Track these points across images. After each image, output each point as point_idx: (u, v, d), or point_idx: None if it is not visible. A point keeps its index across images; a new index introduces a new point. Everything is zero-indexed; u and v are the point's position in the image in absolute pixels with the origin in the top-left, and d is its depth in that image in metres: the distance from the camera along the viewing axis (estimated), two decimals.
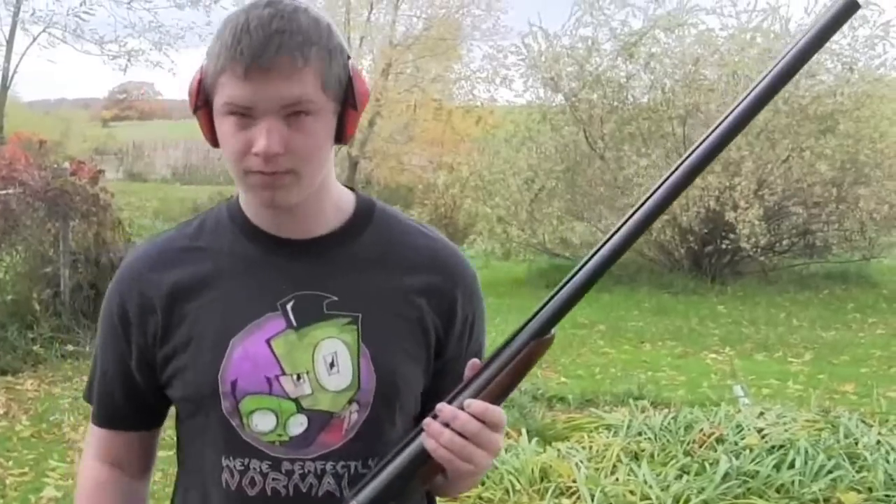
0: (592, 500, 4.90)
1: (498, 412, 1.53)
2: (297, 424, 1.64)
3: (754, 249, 13.63)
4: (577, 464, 5.36)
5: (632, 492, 5.02)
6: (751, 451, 5.54)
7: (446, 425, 1.52)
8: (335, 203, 1.68)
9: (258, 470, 1.65)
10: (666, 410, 6.50)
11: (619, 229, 1.52)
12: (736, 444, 5.70)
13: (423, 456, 1.56)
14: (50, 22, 16.99)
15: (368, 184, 23.60)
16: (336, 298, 1.65)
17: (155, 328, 1.67)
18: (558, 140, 15.16)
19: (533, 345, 1.53)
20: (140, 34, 17.62)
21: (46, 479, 5.96)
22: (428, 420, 1.54)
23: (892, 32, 14.71)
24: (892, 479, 5.17)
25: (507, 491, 5.05)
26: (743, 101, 1.46)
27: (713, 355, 9.57)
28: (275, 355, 1.63)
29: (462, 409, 1.52)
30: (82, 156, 14.26)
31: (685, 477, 5.19)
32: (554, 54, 15.16)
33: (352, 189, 1.74)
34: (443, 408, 1.53)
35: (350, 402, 1.65)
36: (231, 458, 1.65)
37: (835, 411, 6.53)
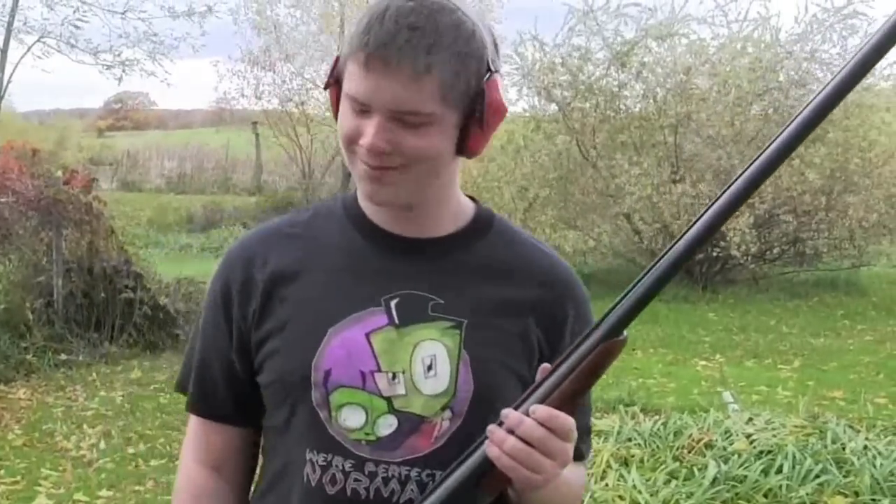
0: None
1: (565, 419, 1.43)
2: (387, 425, 1.57)
3: (745, 257, 13.65)
4: None
5: (621, 497, 5.05)
6: (739, 456, 5.56)
7: (511, 432, 1.43)
8: (454, 209, 1.63)
9: (340, 468, 1.58)
10: (656, 417, 6.58)
11: (691, 226, 1.43)
12: (724, 449, 5.73)
13: (487, 464, 1.46)
14: (44, 31, 16.99)
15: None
16: (442, 301, 1.59)
17: (254, 308, 1.62)
18: (551, 149, 15.22)
19: (604, 347, 1.43)
20: (134, 44, 17.58)
21: (38, 488, 5.96)
22: (492, 427, 1.45)
23: None
24: (879, 484, 5.20)
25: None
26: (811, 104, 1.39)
27: (703, 362, 9.63)
28: (373, 350, 1.57)
29: (528, 414, 1.44)
30: (77, 165, 14.30)
31: (674, 482, 5.22)
32: (547, 63, 15.23)
33: (473, 199, 1.69)
34: (508, 413, 1.44)
35: (444, 408, 1.58)
36: (315, 452, 1.59)
37: (823, 417, 6.56)
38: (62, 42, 16.93)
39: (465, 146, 1.51)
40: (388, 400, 1.56)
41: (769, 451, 5.62)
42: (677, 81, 14.73)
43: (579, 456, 1.62)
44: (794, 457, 5.47)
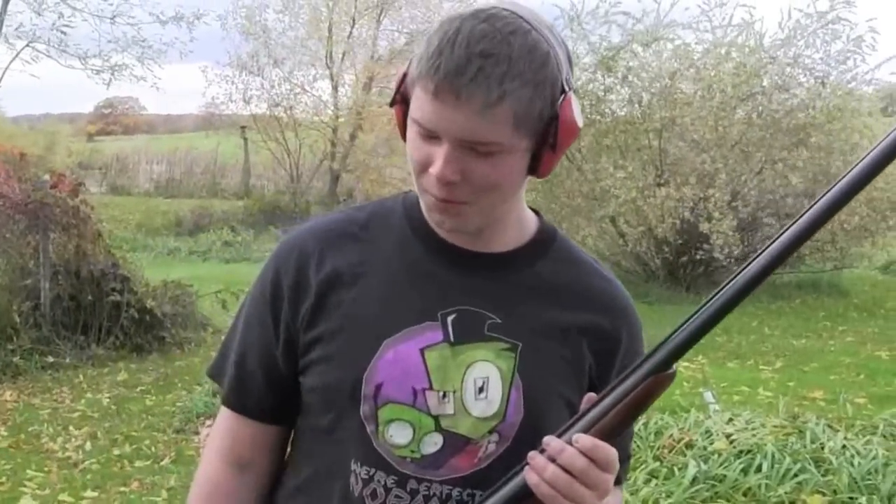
0: None
1: (608, 450, 1.40)
2: (432, 443, 1.53)
3: (728, 259, 13.75)
4: None
5: None
6: (719, 455, 5.60)
7: (552, 460, 1.40)
8: (518, 224, 1.59)
9: (383, 483, 1.54)
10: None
11: (751, 263, 1.45)
12: (705, 448, 5.77)
13: (525, 491, 1.43)
14: (33, 37, 17.03)
15: (350, 196, 23.79)
16: (500, 321, 1.54)
17: (306, 309, 1.57)
18: None
19: (652, 381, 1.40)
20: (123, 49, 17.63)
21: (23, 489, 6.01)
22: (533, 453, 1.42)
23: (863, 47, 14.93)
24: (857, 482, 5.25)
25: None
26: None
27: (686, 363, 9.54)
28: (426, 367, 1.52)
29: (570, 443, 1.40)
30: (66, 170, 14.34)
31: (654, 481, 5.27)
32: None
33: (537, 213, 1.65)
34: (550, 441, 1.41)
35: (491, 431, 1.54)
36: (359, 465, 1.55)
37: (803, 417, 6.59)
38: (51, 47, 16.97)
39: (537, 168, 1.47)
40: (436, 418, 1.52)
41: (749, 451, 5.66)
42: (662, 86, 14.83)
43: (617, 481, 1.60)
44: (773, 456, 5.52)
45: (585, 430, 1.41)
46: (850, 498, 5.12)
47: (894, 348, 10.63)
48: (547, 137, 1.43)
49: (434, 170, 1.41)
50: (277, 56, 25.33)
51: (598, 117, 15.14)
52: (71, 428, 7.30)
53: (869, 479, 5.33)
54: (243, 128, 27.29)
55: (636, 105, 15.22)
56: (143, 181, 28.14)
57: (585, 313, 1.59)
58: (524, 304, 1.56)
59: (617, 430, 1.41)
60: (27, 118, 41.87)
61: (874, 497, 5.10)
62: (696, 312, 1.44)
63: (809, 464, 5.48)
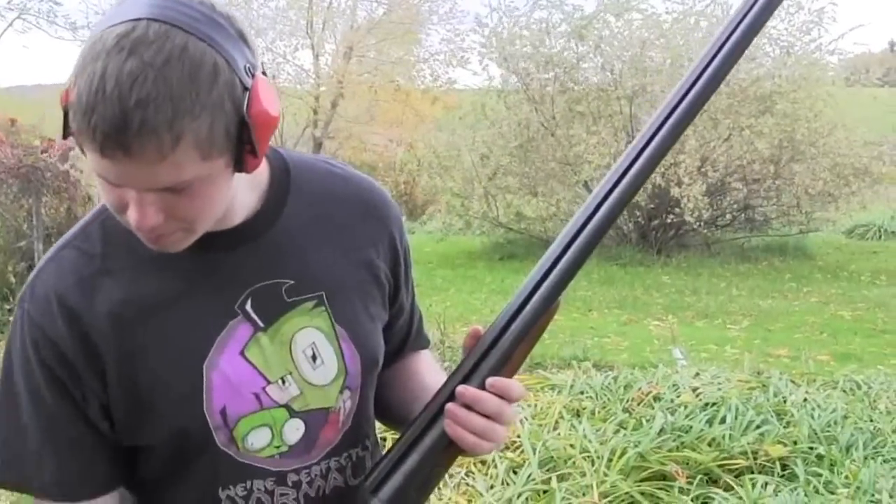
0: (535, 453, 5.02)
1: (518, 386, 1.41)
2: (294, 430, 1.47)
3: (698, 223, 13.99)
4: (521, 420, 5.50)
5: (572, 445, 5.16)
6: (685, 408, 5.73)
7: (468, 407, 1.40)
8: (248, 183, 1.42)
9: (263, 489, 1.47)
10: (608, 372, 6.74)
11: (603, 200, 1.44)
12: (672, 401, 5.91)
13: (445, 442, 1.42)
14: (24, 8, 17.00)
15: None
16: (292, 281, 1.46)
17: (100, 371, 1.38)
18: (512, 118, 15.47)
19: (545, 315, 1.42)
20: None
21: None
22: (451, 406, 1.40)
23: (825, 18, 15.22)
24: (816, 433, 5.43)
25: None
26: (693, 81, 1.46)
27: (656, 322, 9.88)
28: (253, 366, 1.43)
29: (483, 387, 1.40)
30: (57, 136, 14.43)
31: (622, 432, 5.35)
32: (510, 35, 15.53)
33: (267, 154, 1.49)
34: (465, 391, 1.39)
35: (341, 390, 1.51)
36: (231, 487, 1.46)
37: (767, 373, 6.81)
38: (41, 18, 16.95)
39: (244, 168, 1.28)
40: (286, 406, 1.45)
41: (714, 404, 5.80)
42: (633, 55, 15.04)
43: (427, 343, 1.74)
44: (737, 409, 5.66)
45: (495, 372, 1.41)
46: (810, 448, 5.26)
47: (857, 308, 10.88)
48: (243, 143, 1.24)
49: (132, 218, 1.25)
50: (259, 26, 25.16)
51: (572, 85, 15.32)
52: None
53: (828, 431, 5.51)
54: None
55: (608, 73, 15.40)
56: None
57: (359, 225, 1.54)
58: (301, 250, 1.47)
59: (520, 365, 1.43)
60: (19, 88, 41.59)
61: (832, 447, 5.27)
62: (569, 243, 1.43)
63: (772, 416, 5.63)
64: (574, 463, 5.02)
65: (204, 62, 1.18)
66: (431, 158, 16.44)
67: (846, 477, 4.89)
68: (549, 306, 1.42)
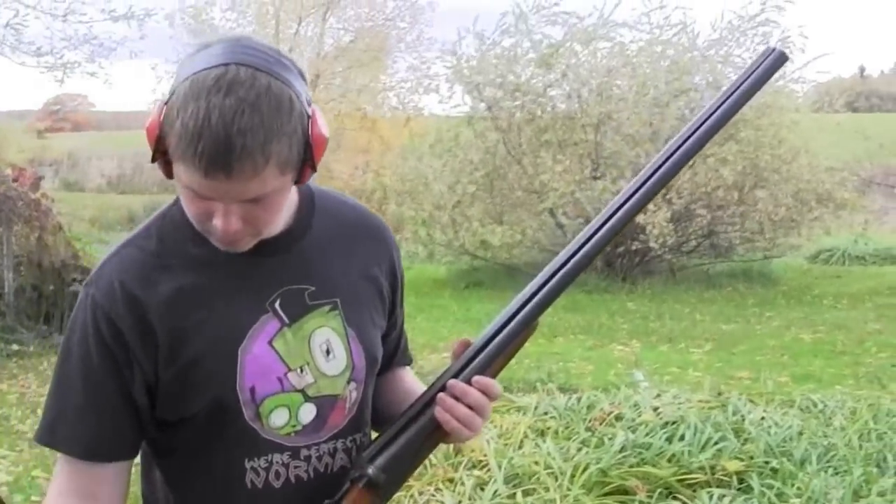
0: (500, 469, 5.19)
1: (497, 386, 1.71)
2: (307, 412, 1.72)
3: (663, 250, 14.21)
4: (487, 440, 5.65)
5: (536, 462, 5.30)
6: (646, 426, 5.85)
7: (456, 398, 1.68)
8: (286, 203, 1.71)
9: (281, 462, 1.71)
10: (572, 394, 6.88)
11: (590, 236, 1.73)
12: (633, 420, 6.01)
13: (434, 425, 1.70)
14: None
15: None
16: (314, 288, 1.73)
17: (155, 348, 1.64)
18: (479, 146, 15.60)
19: (525, 333, 1.72)
20: (76, 46, 17.70)
21: None
22: (442, 395, 1.68)
23: (791, 47, 15.40)
24: (772, 449, 5.58)
25: (425, 465, 5.47)
26: (682, 142, 1.80)
27: (621, 347, 10.01)
28: (278, 355, 1.69)
29: (469, 384, 1.68)
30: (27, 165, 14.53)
31: (585, 449, 5.47)
32: (477, 63, 15.69)
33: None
34: (455, 384, 1.68)
35: (349, 381, 1.76)
36: (255, 459, 1.70)
37: (727, 393, 6.92)
38: (4, 45, 16.99)
39: (300, 181, 1.61)
40: (303, 391, 1.71)
41: (673, 422, 5.91)
42: (599, 83, 15.21)
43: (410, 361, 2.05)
44: (696, 427, 5.78)
45: (480, 373, 1.69)
46: (765, 462, 5.41)
47: (817, 331, 11.08)
48: (305, 160, 1.56)
49: (218, 225, 1.55)
50: None
51: (539, 112, 15.49)
52: (39, 411, 7.47)
53: (783, 446, 5.65)
54: None
55: (575, 101, 15.54)
56: (94, 177, 28.13)
57: (367, 248, 1.83)
58: (322, 262, 1.76)
59: (500, 370, 1.73)
60: None
61: (787, 461, 5.41)
62: (554, 273, 1.73)
63: (729, 433, 5.75)
64: (538, 479, 5.17)
65: (283, 97, 1.50)
66: (398, 186, 16.51)
67: (798, 488, 5.04)
68: (528, 325, 1.73)
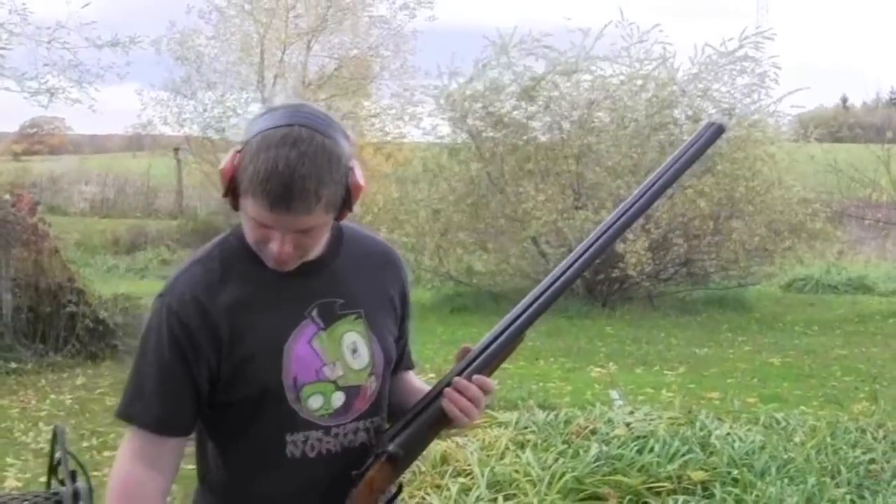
0: (483, 476, 5.57)
1: (492, 383, 2.13)
2: (338, 399, 2.13)
3: (641, 277, 14.47)
4: (471, 452, 6.05)
5: (516, 471, 5.69)
6: (619, 439, 6.22)
7: (459, 392, 2.09)
8: None
9: (315, 438, 2.12)
10: (551, 411, 7.18)
11: (572, 264, 2.19)
12: (607, 434, 6.39)
13: (441, 413, 2.12)
14: None
15: None
16: (343, 301, 2.15)
17: (220, 344, 2.04)
18: (463, 175, 15.83)
19: (514, 343, 2.16)
20: (60, 72, 17.94)
21: (6, 474, 6.62)
22: (448, 389, 2.10)
23: (766, 81, 15.92)
24: (735, 461, 5.93)
25: (415, 473, 5.73)
26: (629, 208, 2.25)
27: (598, 369, 10.25)
28: (316, 352, 2.10)
29: (470, 381, 2.10)
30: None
31: (562, 460, 5.84)
32: (462, 95, 15.86)
33: None
34: (458, 381, 2.10)
35: (369, 375, 2.17)
36: (294, 434, 2.10)
37: (696, 412, 7.26)
38: None
39: (339, 218, 2.07)
40: (335, 382, 2.12)
41: (644, 436, 6.28)
42: (580, 115, 15.49)
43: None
44: (665, 440, 6.15)
45: (478, 372, 2.12)
46: (728, 472, 5.77)
47: (787, 356, 11.40)
48: (345, 203, 2.02)
49: (274, 249, 1.99)
50: (210, 80, 25.40)
51: (522, 143, 15.74)
52: (40, 424, 7.85)
53: (746, 459, 6.00)
54: (176, 149, 27.34)
55: (556, 132, 15.83)
56: (77, 201, 28.22)
57: (383, 271, 2.27)
58: (349, 282, 2.17)
59: (492, 373, 2.16)
60: None
61: (748, 472, 5.76)
62: (538, 295, 2.18)
63: (696, 447, 6.12)
64: (518, 486, 5.55)
65: (333, 153, 1.96)
66: (384, 213, 16.55)
67: (757, 496, 5.41)
68: (518, 336, 2.17)
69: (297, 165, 1.91)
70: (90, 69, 18.20)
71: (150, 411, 2.07)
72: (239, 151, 1.99)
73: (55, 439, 2.22)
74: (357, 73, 26.05)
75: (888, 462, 6.18)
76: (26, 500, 2.10)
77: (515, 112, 15.91)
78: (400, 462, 2.15)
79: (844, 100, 52.79)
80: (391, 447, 2.13)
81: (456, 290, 15.79)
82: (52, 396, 8.82)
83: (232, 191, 2.00)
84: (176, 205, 28.31)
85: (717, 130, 2.30)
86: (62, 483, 2.90)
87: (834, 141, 24.71)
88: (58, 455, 2.18)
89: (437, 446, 6.12)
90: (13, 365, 9.50)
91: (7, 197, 10.35)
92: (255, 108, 25.91)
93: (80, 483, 2.41)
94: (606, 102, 15.79)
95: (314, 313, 2.13)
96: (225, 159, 2.02)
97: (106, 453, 7.14)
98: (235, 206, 2.03)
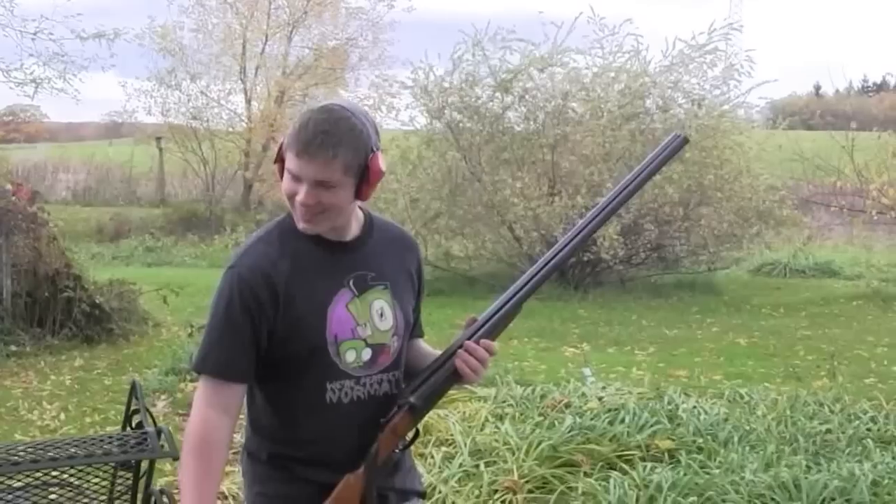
0: (465, 445, 6.02)
1: (495, 346, 2.57)
2: (366, 353, 2.54)
3: (613, 262, 14.71)
4: (454, 423, 6.47)
5: (496, 440, 6.12)
6: (591, 412, 6.66)
7: (470, 354, 2.52)
8: (356, 221, 2.57)
9: (349, 386, 2.52)
10: (527, 386, 7.62)
11: (561, 248, 2.63)
12: (580, 407, 6.85)
13: (453, 370, 2.54)
14: None
15: (261, 204, 24.28)
16: (374, 274, 2.57)
17: (278, 305, 2.45)
18: (442, 164, 16.04)
19: (513, 313, 2.59)
20: (45, 63, 18.13)
21: None
22: (459, 351, 2.52)
23: (736, 74, 16.35)
24: (700, 431, 6.41)
25: None
26: (602, 209, 2.64)
27: (571, 349, 10.56)
28: (351, 314, 2.52)
29: (478, 344, 2.53)
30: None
31: (538, 430, 6.27)
32: (439, 88, 16.11)
33: (362, 208, 2.61)
34: (469, 343, 2.53)
35: (392, 335, 2.58)
36: (333, 382, 2.50)
37: (664, 388, 7.74)
38: None
39: (360, 196, 2.45)
40: (364, 339, 2.53)
41: (616, 409, 6.74)
42: (555, 106, 15.75)
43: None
44: (634, 412, 6.61)
45: (485, 337, 2.56)
46: (693, 441, 6.23)
47: (752, 336, 11.77)
48: (363, 178, 2.41)
49: (299, 198, 2.39)
50: (194, 72, 25.73)
51: (498, 133, 16.00)
52: (44, 403, 8.15)
53: (711, 430, 6.47)
54: (158, 138, 27.52)
55: (532, 122, 16.12)
56: (59, 189, 28.27)
57: (406, 251, 2.71)
58: (379, 259, 2.59)
59: (496, 338, 2.59)
60: None
61: (712, 441, 6.24)
62: (534, 274, 2.63)
63: (664, 418, 6.58)
64: (498, 453, 5.98)
65: (355, 127, 2.39)
66: (371, 198, 16.85)
67: (720, 462, 5.85)
68: (517, 307, 2.61)
69: (322, 124, 2.34)
70: (75, 60, 18.36)
71: (221, 363, 2.49)
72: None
73: (132, 392, 2.66)
74: (336, 63, 26.30)
75: (843, 432, 6.61)
76: (119, 438, 2.51)
77: (491, 103, 16.11)
78: (419, 411, 2.57)
79: (818, 88, 53.21)
80: (412, 398, 2.54)
81: (434, 275, 15.94)
82: (53, 377, 9.06)
83: (280, 158, 2.44)
84: (157, 193, 28.40)
85: (682, 142, 2.74)
86: (133, 430, 3.34)
87: (806, 129, 25.08)
88: (134, 405, 2.58)
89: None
90: (13, 348, 9.76)
91: (8, 186, 10.59)
92: (238, 99, 26.16)
93: (161, 425, 2.80)
94: (580, 94, 16.02)
95: (350, 283, 2.54)
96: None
97: (109, 428, 7.38)
98: (281, 173, 2.45)
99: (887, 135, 16.06)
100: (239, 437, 3.01)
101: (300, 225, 2.49)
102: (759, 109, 18.32)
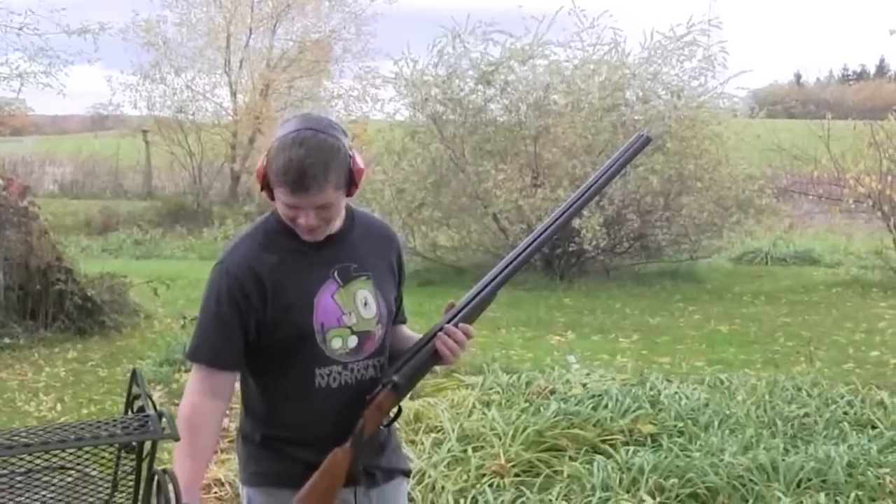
0: (453, 432, 6.18)
1: (473, 330, 2.76)
2: (353, 341, 2.71)
3: (596, 251, 14.91)
4: (442, 410, 6.65)
5: (483, 426, 6.26)
6: (576, 398, 6.83)
7: (449, 336, 2.70)
8: (339, 216, 2.71)
9: (337, 371, 2.70)
10: (513, 374, 7.76)
11: (532, 241, 2.80)
12: (565, 393, 7.01)
13: (434, 351, 2.72)
14: None
15: (249, 196, 24.36)
16: (356, 265, 2.74)
17: (265, 296, 2.63)
18: (426, 155, 16.13)
19: (490, 299, 2.78)
20: (31, 58, 18.22)
21: None
22: (440, 334, 2.70)
23: (714, 65, 16.46)
24: (681, 416, 6.57)
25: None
26: (573, 203, 2.84)
27: (557, 337, 10.74)
28: (337, 304, 2.69)
29: (457, 327, 2.71)
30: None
31: (523, 416, 6.40)
32: (421, 81, 16.20)
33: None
34: (449, 327, 2.72)
35: (377, 323, 2.75)
36: (321, 368, 2.68)
37: (647, 374, 7.88)
38: None
39: (350, 195, 2.65)
40: (350, 328, 2.70)
41: (599, 395, 6.91)
42: (537, 98, 15.89)
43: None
44: (617, 398, 6.77)
45: (463, 321, 2.75)
46: (675, 425, 6.40)
47: (734, 323, 11.93)
48: (351, 182, 2.61)
49: (303, 223, 2.58)
50: (179, 65, 25.84)
51: (481, 125, 16.11)
52: (40, 394, 8.30)
53: (692, 414, 6.64)
54: (145, 132, 27.55)
55: (514, 114, 16.20)
56: (46, 183, 28.24)
57: (387, 243, 2.88)
58: (361, 251, 2.75)
59: (473, 322, 2.78)
60: None
61: (693, 425, 6.41)
62: (508, 263, 2.82)
63: (646, 404, 6.74)
64: (485, 439, 6.13)
65: (333, 146, 2.54)
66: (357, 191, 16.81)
67: (700, 445, 6.01)
68: (493, 294, 2.79)
69: (305, 159, 2.48)
70: (60, 56, 18.43)
71: (210, 350, 2.68)
72: (266, 156, 2.59)
73: (133, 378, 2.87)
74: (321, 55, 26.37)
75: (821, 416, 6.79)
76: (122, 422, 2.67)
77: (473, 95, 16.22)
78: (402, 389, 2.75)
79: (798, 76, 53.41)
80: (395, 377, 2.72)
81: (422, 265, 16.09)
82: (48, 369, 9.19)
83: (266, 186, 2.61)
84: (145, 186, 28.44)
85: (645, 141, 2.96)
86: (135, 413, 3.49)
87: (788, 117, 25.18)
88: (135, 391, 2.76)
89: (410, 405, 6.64)
90: (7, 340, 9.89)
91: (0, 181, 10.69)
92: (223, 92, 26.23)
93: (162, 409, 2.96)
94: (562, 86, 16.12)
95: (335, 274, 2.70)
96: (258, 163, 2.63)
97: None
98: (271, 197, 2.62)
99: (862, 124, 16.17)
100: (234, 424, 3.17)
101: (305, 237, 2.68)
102: (740, 99, 18.46)
